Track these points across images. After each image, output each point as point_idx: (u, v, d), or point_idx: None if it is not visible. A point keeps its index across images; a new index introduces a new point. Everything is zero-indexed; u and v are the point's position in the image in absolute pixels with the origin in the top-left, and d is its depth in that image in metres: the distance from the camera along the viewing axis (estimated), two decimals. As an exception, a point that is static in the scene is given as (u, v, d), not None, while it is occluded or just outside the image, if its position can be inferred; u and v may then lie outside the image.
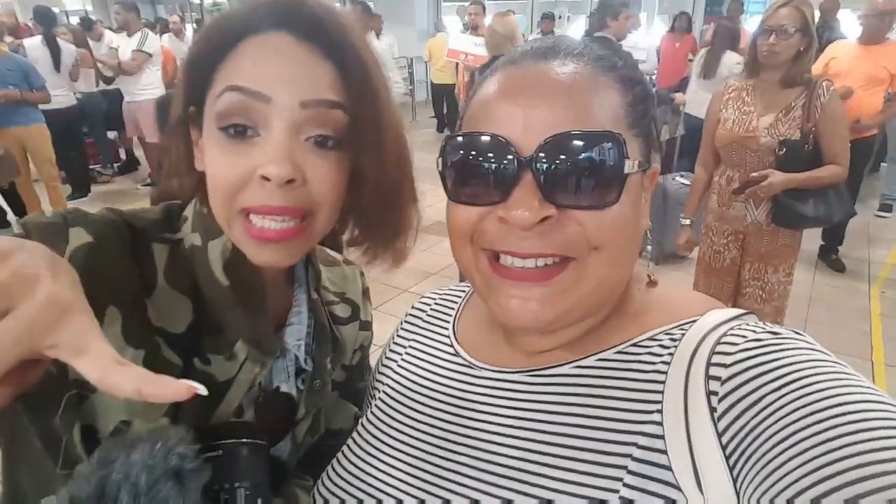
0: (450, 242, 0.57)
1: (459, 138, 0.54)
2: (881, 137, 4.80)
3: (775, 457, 0.39)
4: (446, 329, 0.70)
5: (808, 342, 0.46)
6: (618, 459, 0.47)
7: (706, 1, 9.96)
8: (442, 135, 8.07)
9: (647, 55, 6.48)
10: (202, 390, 0.36)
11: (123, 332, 0.54)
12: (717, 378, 0.45)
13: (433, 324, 0.72)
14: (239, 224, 0.56)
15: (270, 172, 0.52)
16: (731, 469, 0.42)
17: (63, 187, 5.25)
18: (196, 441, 0.49)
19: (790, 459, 0.38)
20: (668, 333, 0.53)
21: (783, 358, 0.44)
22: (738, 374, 0.44)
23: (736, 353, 0.46)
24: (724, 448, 0.43)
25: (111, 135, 6.85)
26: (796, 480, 0.37)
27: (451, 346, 0.67)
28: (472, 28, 6.16)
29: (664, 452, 0.46)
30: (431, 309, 0.75)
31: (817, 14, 2.37)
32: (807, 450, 0.38)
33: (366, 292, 0.86)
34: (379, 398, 0.67)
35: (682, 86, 5.63)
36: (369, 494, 0.58)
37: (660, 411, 0.48)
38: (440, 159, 0.55)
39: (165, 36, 7.38)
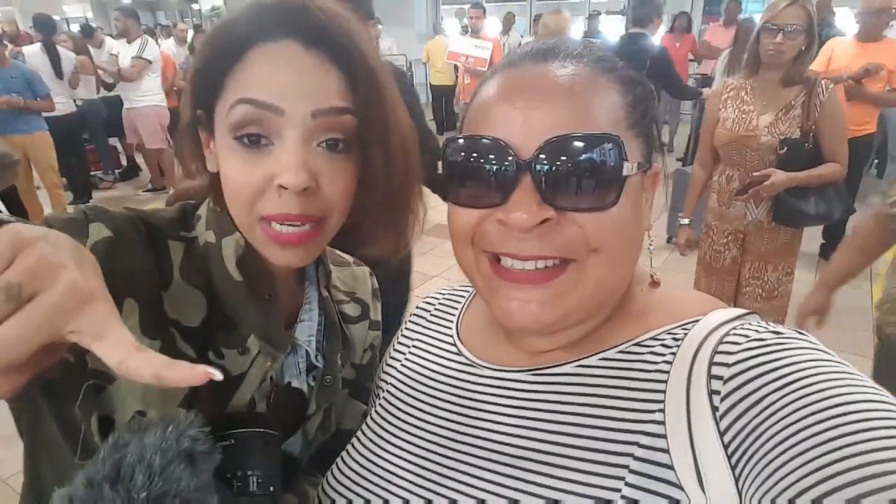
0: (451, 244, 0.58)
1: (460, 141, 0.54)
2: (881, 136, 4.79)
3: (777, 456, 0.39)
4: (449, 328, 0.70)
5: (810, 342, 0.46)
6: (620, 458, 0.47)
7: (704, 1, 9.97)
8: (442, 137, 8.05)
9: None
10: (217, 375, 0.37)
11: (140, 323, 0.56)
12: (720, 377, 0.45)
13: (437, 323, 0.73)
14: (260, 230, 0.59)
15: (288, 182, 0.54)
16: (733, 468, 0.42)
17: (65, 194, 5.27)
18: (210, 430, 0.50)
19: (792, 459, 0.38)
20: (670, 333, 0.53)
21: (785, 357, 0.44)
22: (740, 374, 0.44)
23: (738, 352, 0.46)
24: (725, 447, 0.43)
25: (112, 141, 6.87)
26: (798, 480, 0.37)
27: (454, 344, 0.67)
28: (473, 31, 6.17)
29: (666, 452, 0.46)
30: (435, 309, 0.75)
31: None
32: (808, 449, 0.38)
33: (375, 292, 0.87)
34: (383, 397, 0.68)
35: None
36: (375, 494, 0.58)
37: (662, 410, 0.48)
38: (441, 162, 0.55)
39: (168, 41, 7.41)
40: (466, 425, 0.58)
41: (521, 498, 0.49)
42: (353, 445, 0.65)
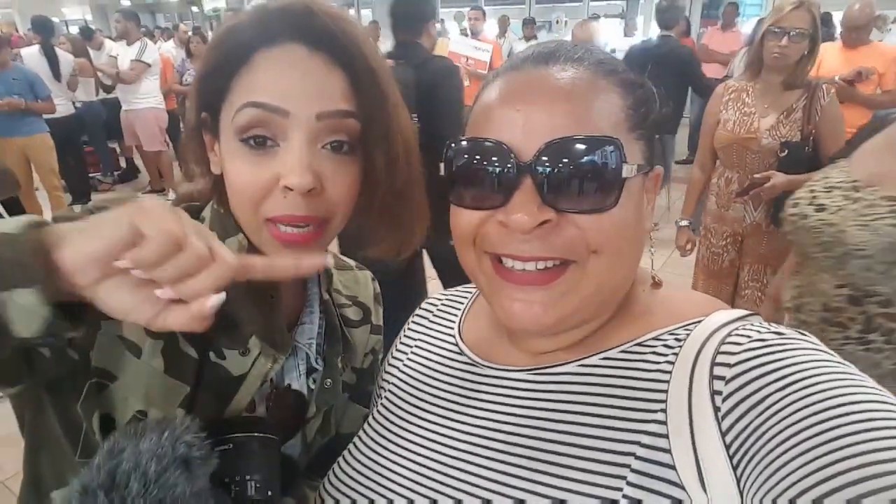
0: (454, 245, 0.58)
1: (461, 143, 0.55)
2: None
3: (778, 456, 0.39)
4: (452, 328, 0.71)
5: (812, 342, 0.46)
6: (622, 458, 0.47)
7: (702, 5, 10.00)
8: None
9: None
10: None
11: None
12: (722, 378, 0.46)
13: (439, 324, 0.73)
14: (266, 231, 0.60)
15: (293, 183, 0.55)
16: (735, 468, 0.42)
17: (64, 196, 5.27)
18: (208, 434, 0.50)
19: (793, 459, 0.38)
20: (672, 333, 0.53)
21: (787, 358, 0.44)
22: (742, 374, 0.45)
23: (740, 353, 0.46)
24: (727, 447, 0.43)
25: (112, 143, 6.87)
26: (799, 480, 0.37)
27: (457, 344, 0.67)
28: (473, 33, 6.19)
29: (668, 451, 0.46)
30: (438, 309, 0.76)
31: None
32: (810, 449, 0.38)
33: (377, 297, 0.87)
34: (385, 397, 0.68)
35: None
36: (379, 493, 0.58)
37: (664, 410, 0.48)
38: (443, 164, 0.56)
39: (168, 43, 7.40)
40: (469, 424, 0.58)
41: (528, 498, 0.50)
42: (354, 445, 0.65)
